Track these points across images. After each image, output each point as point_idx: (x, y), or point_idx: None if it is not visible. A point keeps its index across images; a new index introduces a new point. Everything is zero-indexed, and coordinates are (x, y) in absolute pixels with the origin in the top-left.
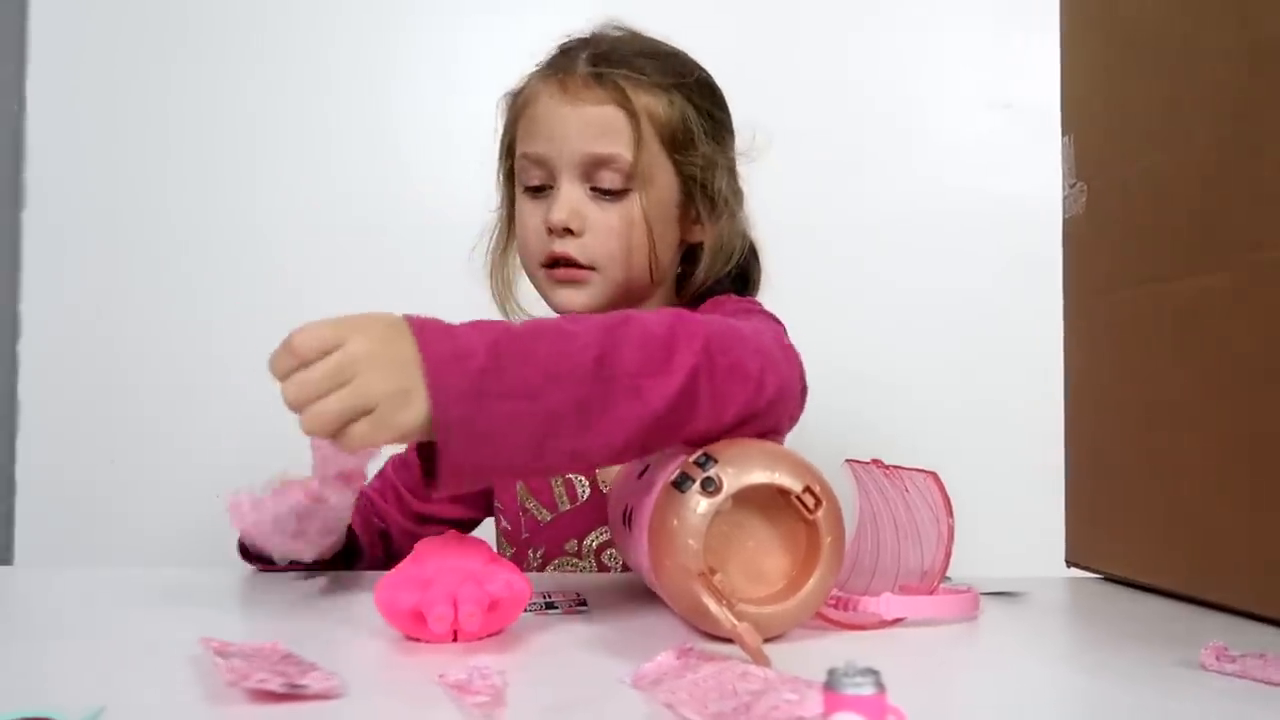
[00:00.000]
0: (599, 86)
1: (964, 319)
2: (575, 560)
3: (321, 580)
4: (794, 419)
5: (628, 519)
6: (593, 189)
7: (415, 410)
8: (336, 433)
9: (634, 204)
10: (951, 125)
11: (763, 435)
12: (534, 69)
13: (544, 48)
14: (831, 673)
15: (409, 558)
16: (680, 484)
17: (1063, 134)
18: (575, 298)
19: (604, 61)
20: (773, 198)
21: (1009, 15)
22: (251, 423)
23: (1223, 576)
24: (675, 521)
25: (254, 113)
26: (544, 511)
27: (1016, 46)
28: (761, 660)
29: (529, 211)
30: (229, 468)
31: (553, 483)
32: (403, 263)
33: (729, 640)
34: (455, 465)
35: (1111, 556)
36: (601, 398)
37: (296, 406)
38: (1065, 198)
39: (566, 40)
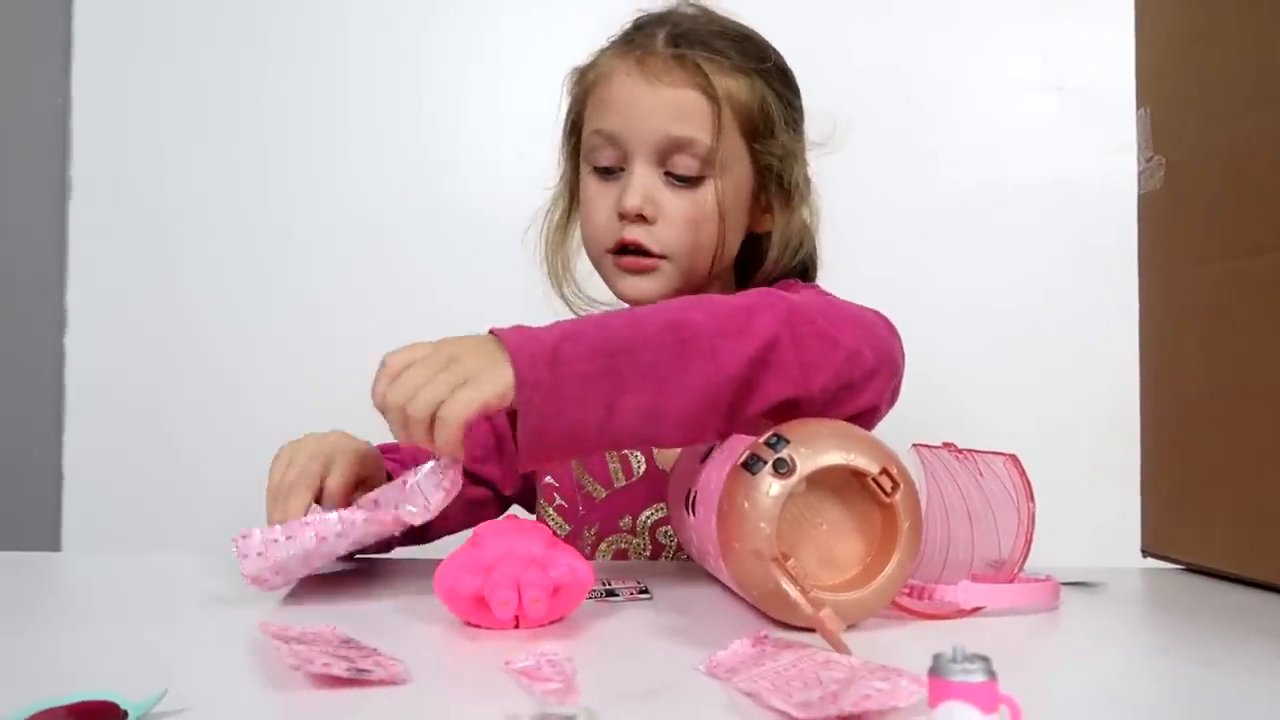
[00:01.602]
0: (679, 68)
1: (1027, 304)
2: (630, 537)
3: (376, 566)
4: (894, 399)
5: (691, 503)
6: (667, 174)
7: (505, 373)
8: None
9: (709, 192)
10: (1002, 110)
11: (861, 413)
12: (606, 44)
13: (580, 35)
14: (938, 659)
15: (468, 542)
16: (751, 465)
17: (1138, 107)
18: (642, 286)
19: (683, 41)
20: (832, 188)
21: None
22: (298, 408)
23: None
24: (746, 504)
25: (297, 106)
26: (599, 488)
27: (1065, 29)
28: (842, 648)
29: (597, 193)
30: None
31: (609, 459)
32: (436, 257)
33: (800, 628)
34: (535, 428)
35: (1192, 546)
36: (674, 358)
37: (403, 398)
38: (1141, 172)
39: (641, 15)
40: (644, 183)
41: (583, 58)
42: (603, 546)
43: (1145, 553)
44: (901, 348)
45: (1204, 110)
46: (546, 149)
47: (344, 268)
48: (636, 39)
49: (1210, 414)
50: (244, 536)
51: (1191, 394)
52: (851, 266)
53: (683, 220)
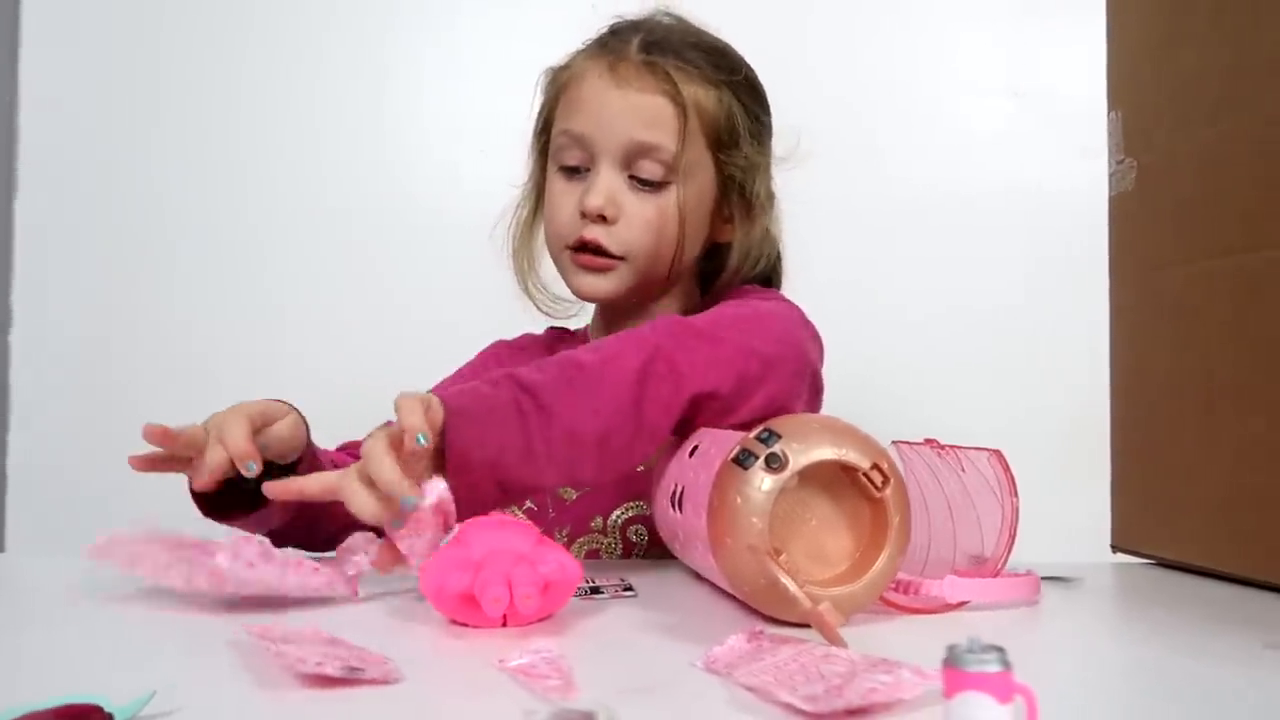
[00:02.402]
0: (649, 74)
1: (991, 305)
2: (601, 537)
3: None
4: (813, 393)
5: (677, 500)
6: (631, 177)
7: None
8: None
9: (671, 198)
10: (963, 114)
11: (772, 405)
12: (580, 47)
13: (543, 34)
14: (952, 649)
15: (453, 540)
16: (742, 460)
17: (1109, 110)
18: (598, 285)
19: (656, 49)
20: (795, 194)
21: (1021, 3)
22: None
23: None
24: (738, 499)
25: (249, 104)
26: (569, 490)
27: (1025, 35)
28: (840, 642)
29: (561, 191)
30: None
31: None
32: (398, 254)
33: (792, 624)
34: (459, 461)
35: (1162, 541)
36: (577, 389)
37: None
38: (1112, 174)
39: (617, 21)
40: (608, 184)
41: (546, 56)
42: (574, 548)
43: (1115, 548)
44: (817, 342)
45: (1175, 113)
46: (509, 147)
47: (302, 266)
48: (610, 44)
49: (1181, 412)
50: (245, 539)
51: (1162, 392)
52: (816, 270)
53: (643, 223)
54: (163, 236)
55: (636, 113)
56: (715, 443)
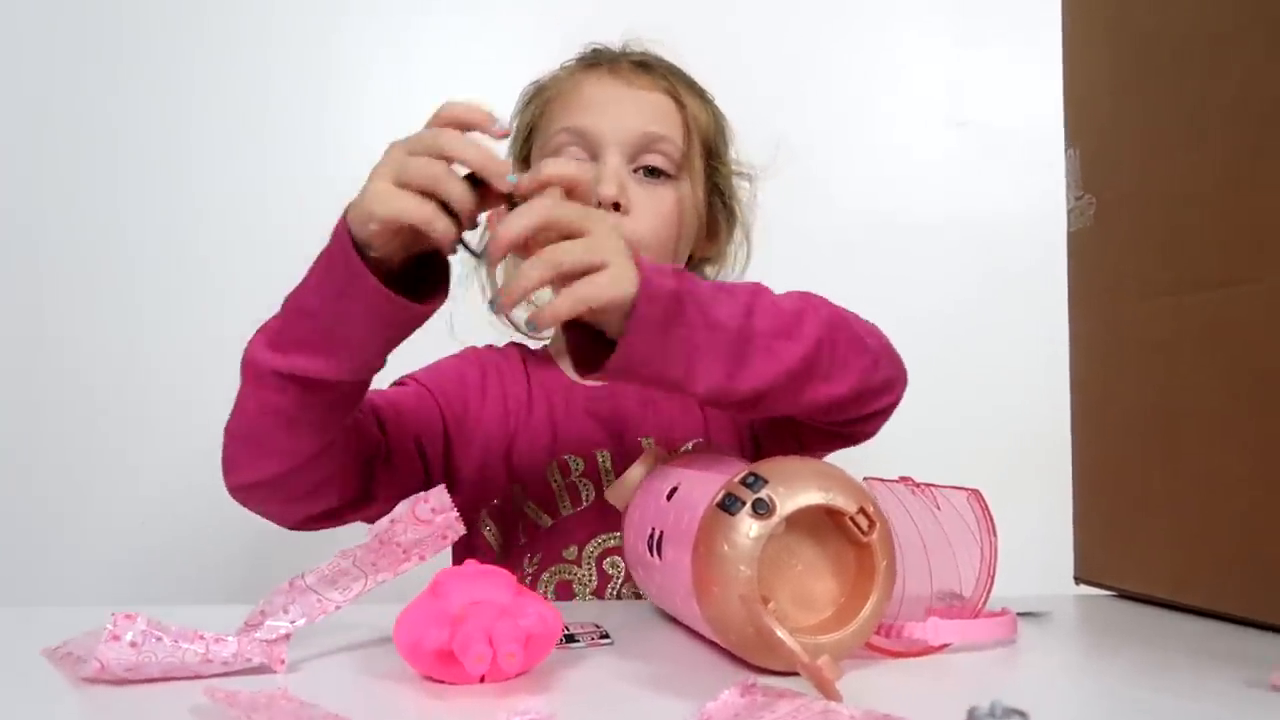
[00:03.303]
0: (649, 75)
1: (936, 333)
2: (574, 568)
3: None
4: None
5: (655, 545)
6: (637, 170)
7: (628, 290)
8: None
9: (678, 191)
10: (908, 143)
11: (879, 413)
12: (564, 64)
13: (497, 47)
14: (972, 713)
15: (428, 591)
16: (729, 505)
17: (1066, 147)
18: None
19: (646, 61)
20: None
21: (962, 33)
22: (178, 449)
23: (1267, 593)
24: (725, 546)
25: (198, 116)
26: (544, 516)
27: (971, 66)
28: (835, 696)
29: None
30: (156, 499)
31: (554, 485)
32: None
33: (780, 673)
34: (635, 348)
35: (1127, 573)
36: (744, 353)
37: (530, 235)
38: (1071, 210)
39: (595, 45)
40: (619, 173)
41: (502, 75)
42: (545, 577)
43: (1078, 580)
44: None
45: (1136, 150)
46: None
47: (241, 289)
48: (599, 55)
49: (1144, 445)
50: (126, 617)
51: (1125, 425)
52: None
53: (652, 213)
54: (88, 261)
55: (643, 105)
56: (696, 485)
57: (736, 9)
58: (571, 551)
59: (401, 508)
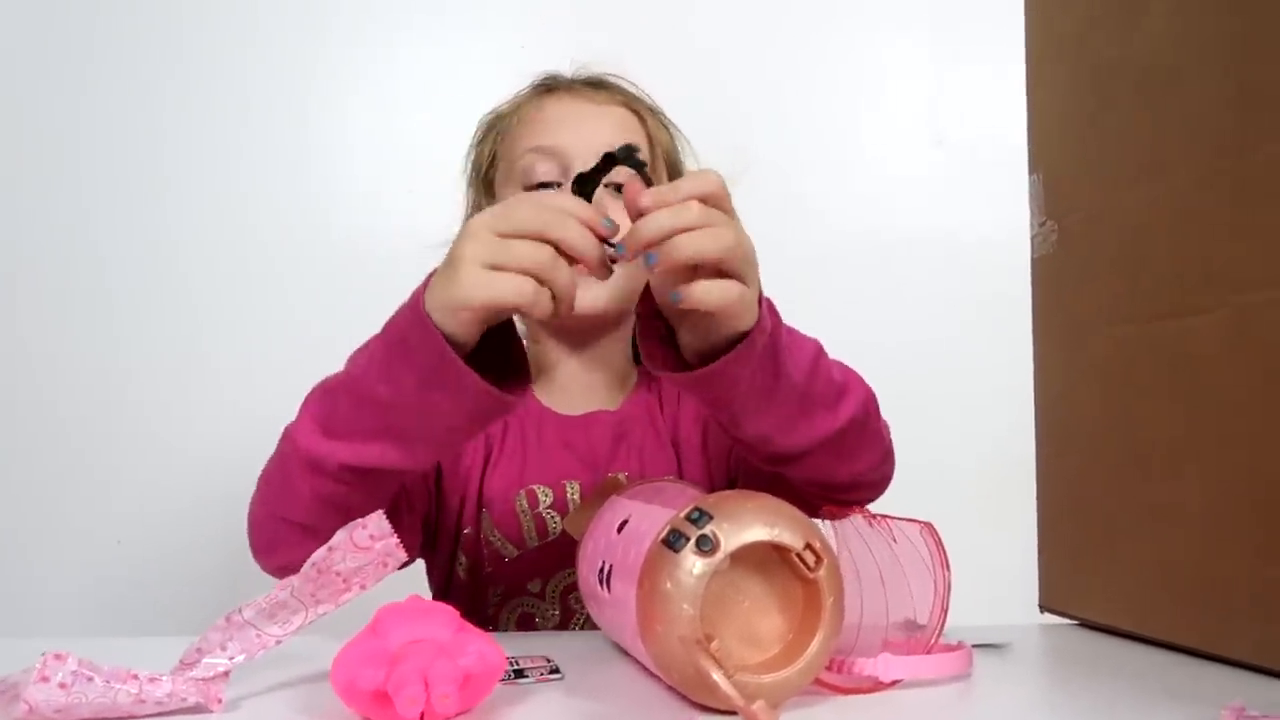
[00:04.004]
0: (609, 92)
1: (912, 351)
2: (537, 602)
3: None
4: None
5: (605, 579)
6: (607, 184)
7: (755, 308)
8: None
9: None
10: (887, 161)
11: (860, 501)
12: (519, 92)
13: (471, 73)
14: None
15: (368, 628)
16: (673, 542)
17: (1030, 172)
18: (598, 294)
19: (599, 80)
20: None
21: (940, 52)
22: (143, 481)
23: (1224, 626)
24: (668, 584)
25: (177, 139)
26: (510, 547)
27: (949, 85)
28: None
29: None
30: (132, 519)
31: (522, 517)
32: (319, 292)
33: (724, 711)
34: (727, 375)
35: (1090, 603)
36: (796, 413)
37: (704, 229)
38: (1034, 237)
39: (546, 72)
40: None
41: (477, 97)
42: (505, 610)
43: (1043, 608)
44: None
45: (1097, 177)
46: (438, 185)
47: (220, 301)
48: (554, 82)
49: (1107, 474)
50: (56, 657)
51: (1089, 452)
52: None
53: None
54: (74, 270)
55: (611, 120)
56: (644, 518)
57: (717, 27)
58: (536, 585)
59: (340, 535)
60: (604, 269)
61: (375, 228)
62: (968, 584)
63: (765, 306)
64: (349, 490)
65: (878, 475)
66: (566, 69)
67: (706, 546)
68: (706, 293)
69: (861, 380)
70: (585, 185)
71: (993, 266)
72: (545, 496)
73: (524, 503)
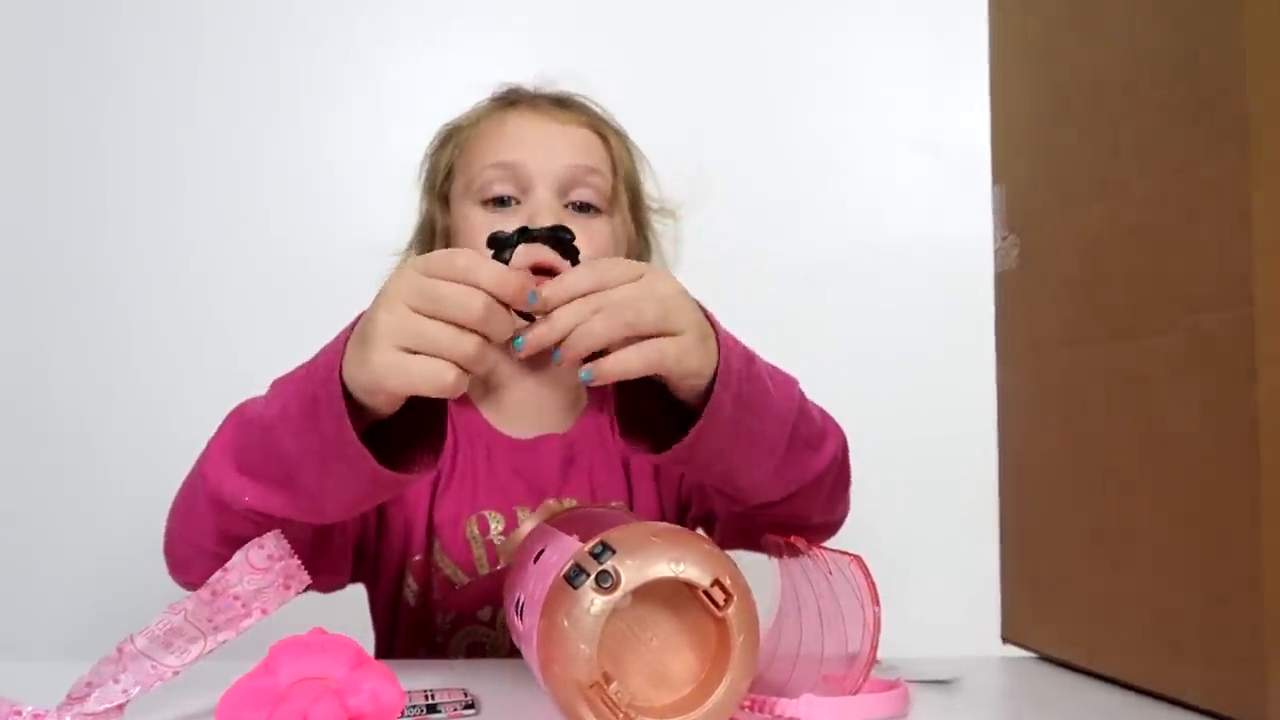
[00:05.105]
0: (571, 110)
1: (893, 371)
2: (487, 630)
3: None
4: None
5: (520, 611)
6: (568, 204)
7: (710, 354)
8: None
9: (610, 225)
10: (881, 169)
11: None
12: (479, 104)
13: (472, 84)
14: None
15: (262, 664)
16: (572, 578)
17: (993, 183)
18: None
19: (564, 98)
20: (701, 241)
21: (936, 59)
22: (119, 499)
23: (1174, 669)
24: (565, 622)
25: (170, 150)
26: (460, 574)
27: (944, 91)
28: None
29: (491, 224)
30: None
31: (473, 543)
32: (324, 299)
33: None
34: (710, 438)
35: (1048, 637)
36: (788, 455)
37: (598, 313)
38: (997, 251)
39: (508, 84)
40: (553, 206)
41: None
42: (455, 638)
43: (1005, 640)
44: None
45: (1057, 192)
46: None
47: (215, 335)
48: (518, 93)
49: (1064, 501)
50: None
51: (1046, 479)
52: (727, 320)
53: (589, 249)
54: (67, 281)
55: (571, 139)
56: (556, 550)
57: (709, 32)
58: (486, 613)
59: (237, 556)
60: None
61: (389, 236)
62: (938, 610)
63: (728, 347)
64: (257, 530)
65: (840, 517)
66: (530, 81)
67: (606, 583)
68: (621, 362)
69: (835, 422)
70: (506, 245)
71: (987, 277)
72: (496, 523)
73: (474, 529)
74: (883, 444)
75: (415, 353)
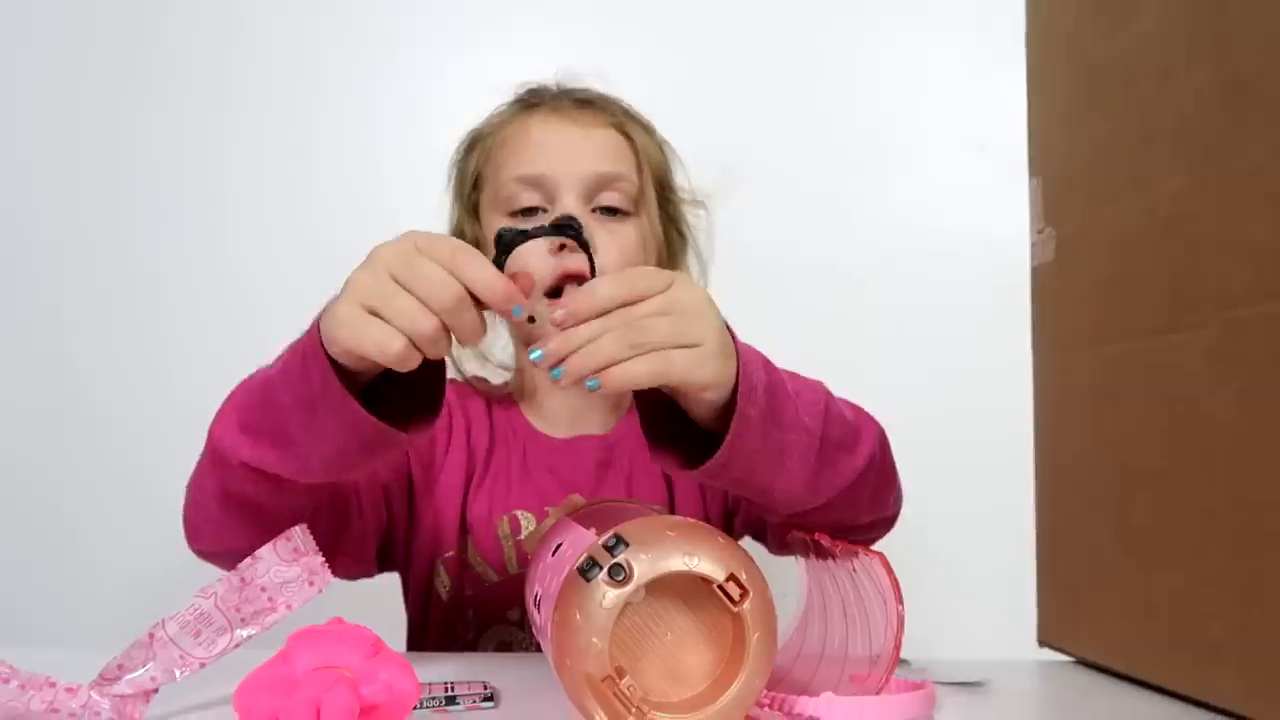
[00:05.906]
0: (594, 112)
1: (935, 369)
2: (515, 630)
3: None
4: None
5: (538, 604)
6: (594, 210)
7: (727, 369)
8: (654, 358)
9: (638, 228)
10: (927, 168)
11: (868, 540)
12: (501, 108)
13: (505, 85)
14: None
15: (279, 653)
16: (586, 570)
17: (1030, 175)
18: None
19: (587, 97)
20: (745, 240)
21: (982, 56)
22: (123, 499)
23: (1210, 671)
24: (578, 615)
25: (204, 149)
26: (491, 573)
27: (989, 88)
28: None
29: None
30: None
31: (504, 542)
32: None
33: None
34: (740, 451)
35: (1085, 639)
36: (821, 462)
37: (608, 333)
38: (1034, 244)
39: (530, 84)
40: (579, 213)
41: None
42: (483, 637)
43: (1041, 643)
44: None
45: (1090, 185)
46: None
47: (246, 330)
48: (540, 95)
49: (1098, 502)
50: None
51: (1080, 480)
52: (771, 319)
53: (616, 252)
54: (87, 273)
55: (595, 145)
56: (573, 544)
57: (752, 30)
58: (514, 613)
59: (265, 548)
60: (477, 340)
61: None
62: (972, 615)
63: (748, 361)
64: (254, 489)
65: (894, 511)
66: (552, 79)
67: (619, 576)
68: (626, 371)
69: (870, 416)
70: (506, 248)
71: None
72: (528, 523)
73: (506, 528)
74: (923, 445)
75: (377, 316)
